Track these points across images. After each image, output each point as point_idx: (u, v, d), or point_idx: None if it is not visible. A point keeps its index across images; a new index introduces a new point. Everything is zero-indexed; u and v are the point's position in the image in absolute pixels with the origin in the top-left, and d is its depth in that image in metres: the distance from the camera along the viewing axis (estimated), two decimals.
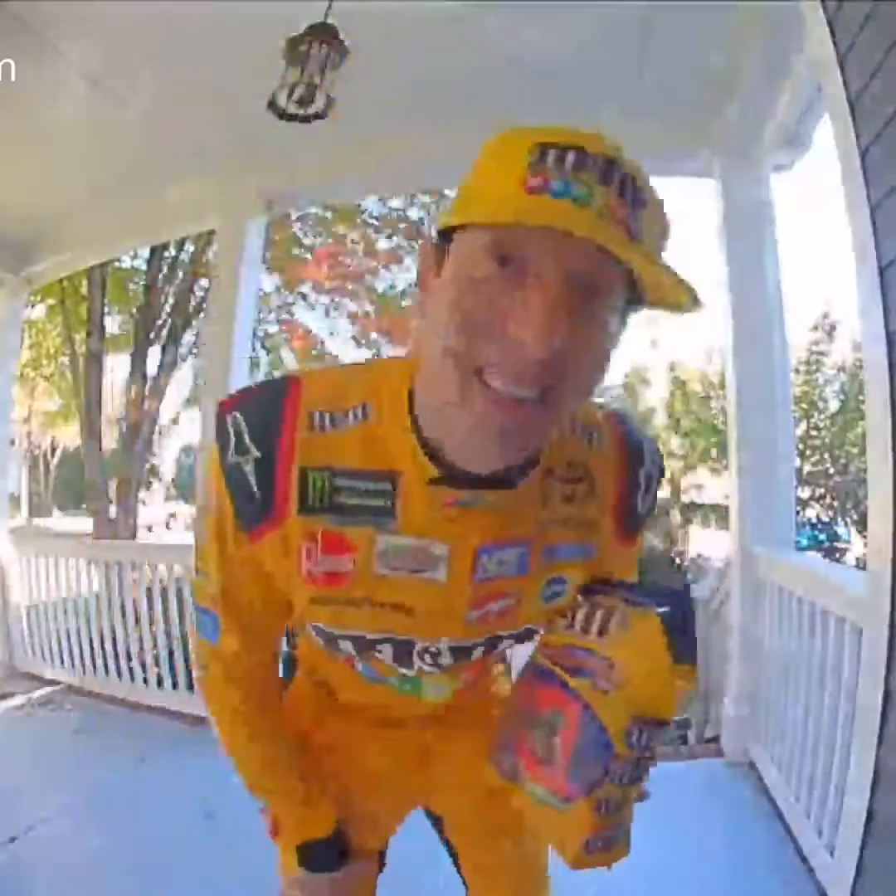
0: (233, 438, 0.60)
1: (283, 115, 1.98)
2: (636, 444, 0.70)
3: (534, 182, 0.48)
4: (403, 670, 0.73)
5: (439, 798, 0.92)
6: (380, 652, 0.70)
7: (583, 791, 0.65)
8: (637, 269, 0.49)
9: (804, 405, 9.72)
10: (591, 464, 0.67)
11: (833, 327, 10.70)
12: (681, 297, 0.51)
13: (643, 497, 0.71)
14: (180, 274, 7.25)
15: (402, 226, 8.19)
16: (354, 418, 0.61)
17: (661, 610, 0.66)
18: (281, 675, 0.87)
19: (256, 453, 0.60)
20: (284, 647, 0.92)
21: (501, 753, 0.75)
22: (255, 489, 0.60)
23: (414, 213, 8.17)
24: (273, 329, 8.73)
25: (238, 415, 0.61)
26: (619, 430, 0.70)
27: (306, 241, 8.01)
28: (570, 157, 0.48)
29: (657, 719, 0.65)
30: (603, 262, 0.48)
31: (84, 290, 6.92)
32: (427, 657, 0.70)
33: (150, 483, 7.66)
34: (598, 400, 0.70)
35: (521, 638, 0.73)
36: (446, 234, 0.54)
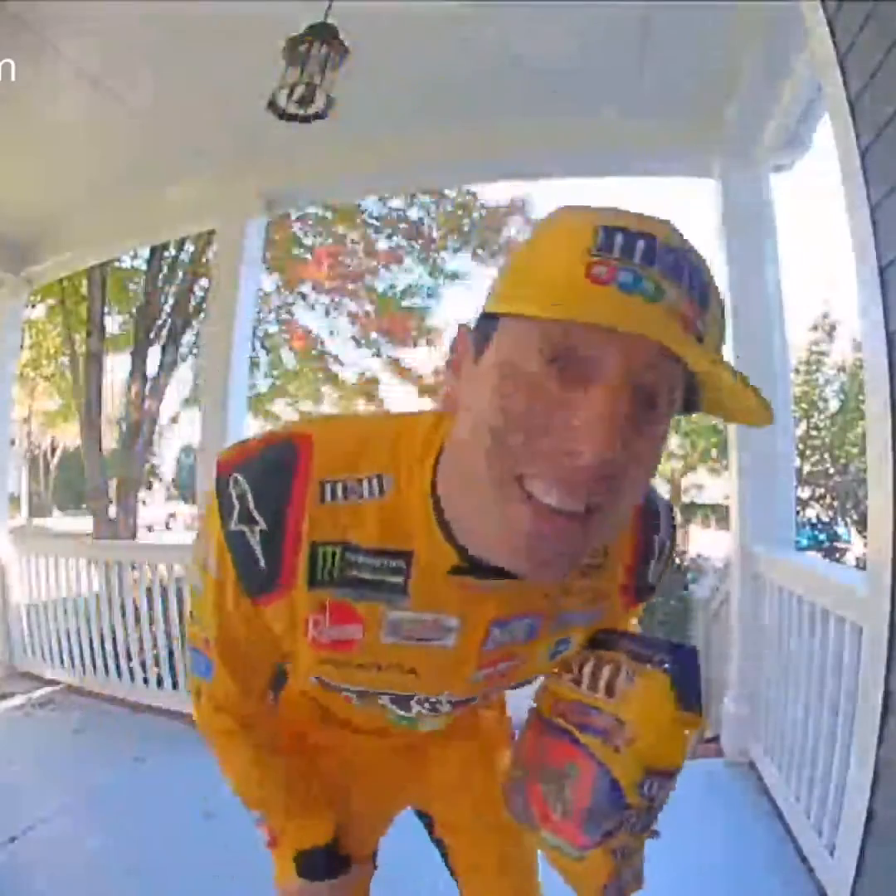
0: (236, 504, 0.56)
1: (283, 115, 1.98)
2: (652, 512, 0.67)
3: (599, 271, 0.42)
4: (402, 713, 0.73)
5: (432, 799, 0.93)
6: (380, 700, 0.70)
7: (598, 842, 0.66)
8: (715, 379, 0.44)
9: (804, 405, 9.70)
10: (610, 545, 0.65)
11: (833, 327, 10.68)
12: (751, 407, 0.45)
13: (655, 565, 0.69)
14: (180, 274, 7.25)
15: (402, 226, 8.20)
16: (369, 492, 0.57)
17: (667, 666, 0.66)
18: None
19: (263, 525, 0.56)
20: None
21: (514, 798, 0.76)
22: (261, 560, 0.57)
23: (414, 213, 8.18)
24: (273, 329, 8.74)
25: (240, 478, 0.56)
26: (639, 518, 0.67)
27: (306, 241, 8.02)
28: (640, 245, 0.43)
29: (667, 769, 0.67)
30: (667, 367, 0.44)
31: (84, 290, 6.92)
32: (426, 705, 0.70)
33: (150, 483, 7.67)
34: None
35: (521, 686, 0.74)
36: (491, 316, 0.49)
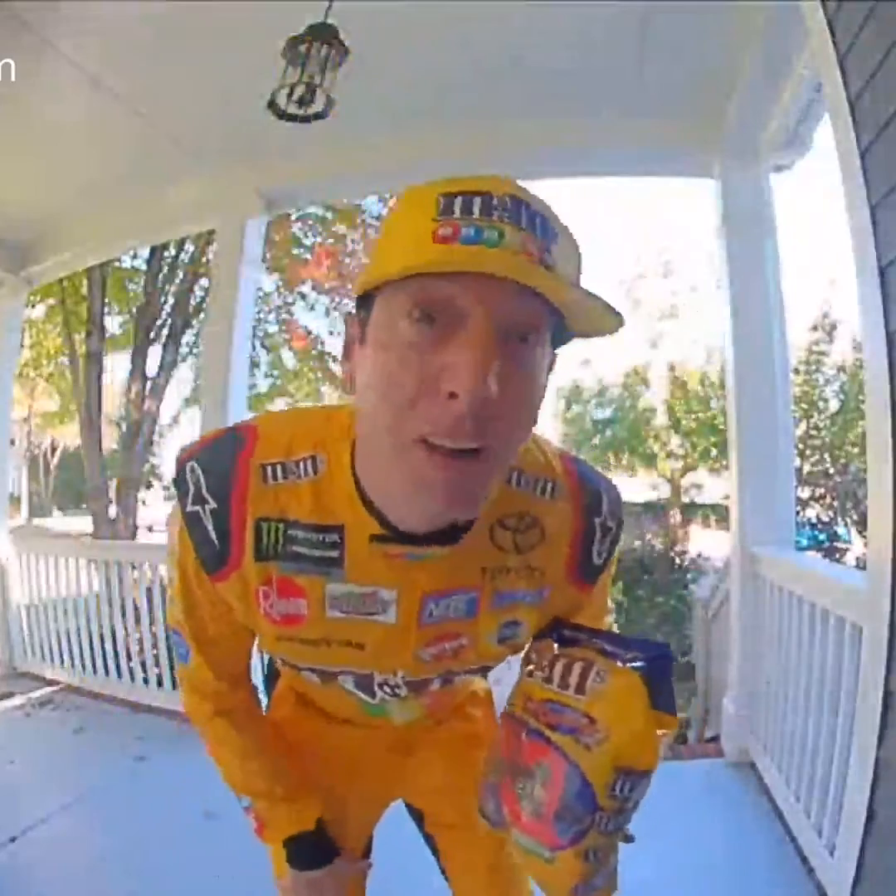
0: (191, 488, 0.63)
1: (283, 115, 1.97)
2: (592, 492, 0.70)
3: (443, 231, 0.46)
4: (366, 698, 0.75)
5: (420, 793, 0.93)
6: (344, 683, 0.73)
7: (569, 842, 0.66)
8: (560, 298, 0.49)
9: (804, 405, 9.70)
10: (544, 513, 0.67)
11: (833, 327, 10.68)
12: (605, 321, 0.50)
13: (599, 545, 0.70)
14: (180, 274, 7.25)
15: None
16: (304, 472, 0.63)
17: (638, 664, 0.67)
18: (264, 682, 0.92)
19: (213, 504, 0.62)
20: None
21: (487, 800, 0.76)
22: (213, 537, 0.63)
23: None
24: (273, 329, 8.73)
25: (195, 465, 0.63)
26: (574, 478, 0.69)
27: (306, 241, 8.01)
28: (477, 202, 0.47)
29: (640, 770, 0.66)
30: (526, 302, 0.48)
31: (84, 290, 6.91)
32: (387, 689, 0.73)
33: (150, 483, 7.64)
34: (558, 447, 0.72)
35: (477, 672, 0.76)
36: (367, 302, 0.53)
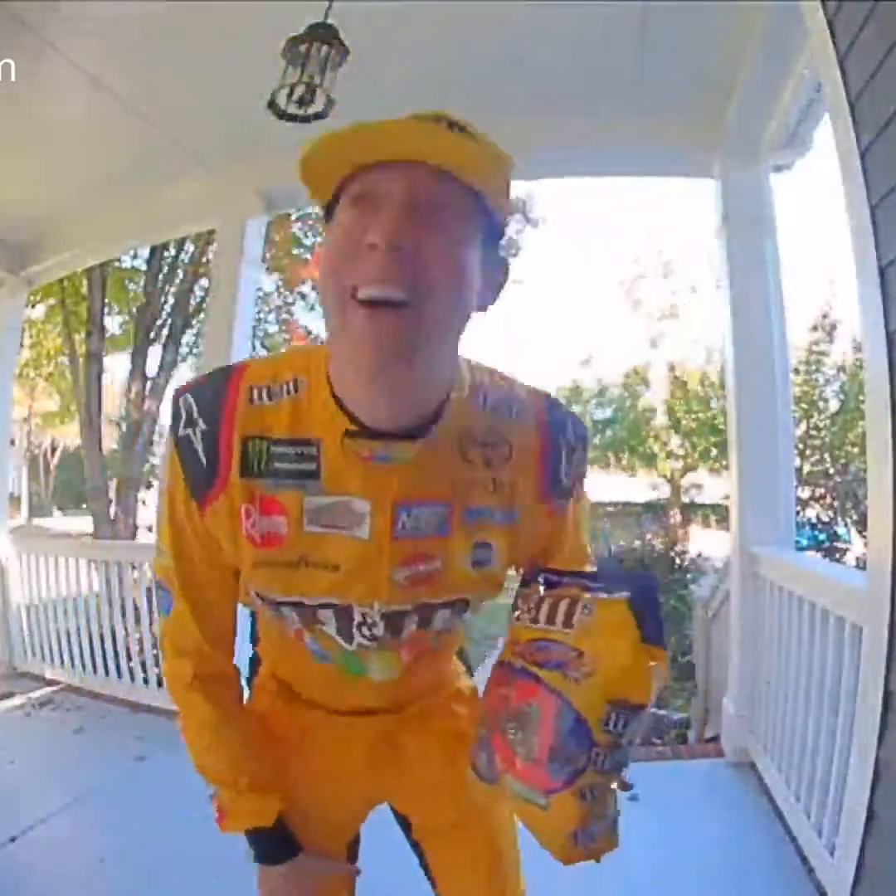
0: (184, 415, 0.68)
1: (283, 115, 1.97)
2: (557, 416, 0.74)
3: (371, 135, 0.58)
4: (344, 644, 0.75)
5: (407, 796, 0.92)
6: (323, 622, 0.73)
7: (565, 783, 0.65)
8: (454, 156, 0.58)
9: (804, 405, 9.70)
10: (510, 433, 0.71)
11: (833, 327, 10.69)
12: (491, 168, 0.62)
13: (565, 464, 0.73)
14: (180, 274, 7.25)
15: None
16: (287, 392, 0.68)
17: (624, 594, 0.67)
18: (246, 674, 0.90)
19: (203, 426, 0.67)
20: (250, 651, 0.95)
21: (479, 754, 0.74)
22: (202, 457, 0.67)
23: None
24: (273, 329, 8.74)
25: (188, 396, 0.69)
26: (540, 404, 0.74)
27: (306, 241, 8.01)
28: (388, 123, 0.58)
29: (633, 703, 0.65)
30: (438, 182, 0.58)
31: (84, 290, 6.91)
32: (364, 630, 0.73)
33: (150, 483, 7.63)
34: (530, 384, 0.75)
35: (454, 608, 0.75)
36: (327, 212, 0.65)
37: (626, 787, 0.70)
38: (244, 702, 0.85)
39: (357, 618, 0.72)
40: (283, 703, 0.89)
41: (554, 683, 0.66)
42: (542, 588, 0.74)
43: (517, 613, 0.75)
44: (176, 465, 0.68)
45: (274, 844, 0.82)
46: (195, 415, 0.67)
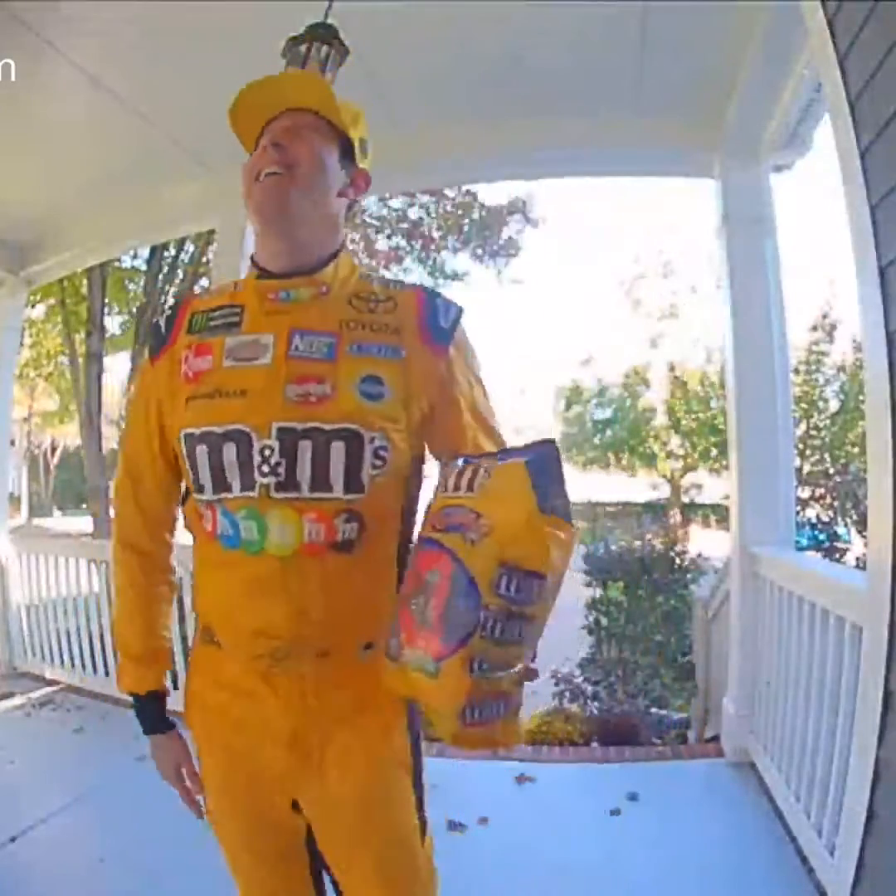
0: (159, 313, 0.90)
1: None
2: (433, 290, 0.96)
3: (241, 100, 0.90)
4: (248, 493, 0.81)
5: (310, 796, 0.89)
6: (226, 458, 0.82)
7: (454, 646, 0.64)
8: (289, 93, 0.90)
9: (804, 405, 9.69)
10: (395, 295, 0.91)
11: (833, 327, 10.68)
12: (332, 104, 0.89)
13: (443, 314, 0.91)
14: (180, 274, 7.24)
15: (402, 226, 8.19)
16: (227, 288, 0.96)
17: (523, 458, 0.69)
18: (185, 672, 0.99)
19: (169, 312, 0.95)
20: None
21: (390, 637, 0.74)
22: (163, 328, 0.93)
23: (414, 213, 8.17)
24: None
25: (168, 307, 0.99)
26: (419, 286, 0.96)
27: None
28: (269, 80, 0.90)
29: (526, 568, 0.65)
30: (302, 114, 0.89)
31: (84, 290, 6.90)
32: (264, 467, 0.81)
33: None
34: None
35: (346, 438, 0.80)
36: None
37: (531, 674, 0.71)
38: (164, 591, 0.99)
39: (256, 456, 0.81)
40: (210, 682, 0.92)
41: (451, 545, 0.68)
42: (459, 463, 0.77)
43: (435, 488, 0.78)
44: (143, 349, 0.97)
45: (150, 716, 0.98)
46: (167, 309, 0.96)
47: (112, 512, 0.97)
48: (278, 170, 0.85)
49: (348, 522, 0.81)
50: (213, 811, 0.98)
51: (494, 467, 0.71)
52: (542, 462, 0.68)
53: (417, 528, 0.82)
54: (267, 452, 0.80)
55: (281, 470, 0.80)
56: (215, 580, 0.90)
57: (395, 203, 7.87)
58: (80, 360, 7.08)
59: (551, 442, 0.73)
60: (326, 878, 0.97)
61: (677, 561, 5.23)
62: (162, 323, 0.93)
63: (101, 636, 3.39)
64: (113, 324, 7.67)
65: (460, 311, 0.93)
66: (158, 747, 1.00)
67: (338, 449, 0.80)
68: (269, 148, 0.86)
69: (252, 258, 0.92)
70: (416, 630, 0.69)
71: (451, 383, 0.89)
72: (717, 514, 14.38)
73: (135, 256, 7.15)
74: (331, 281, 0.89)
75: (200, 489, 0.86)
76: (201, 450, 0.83)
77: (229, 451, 0.82)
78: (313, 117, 0.89)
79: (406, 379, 0.85)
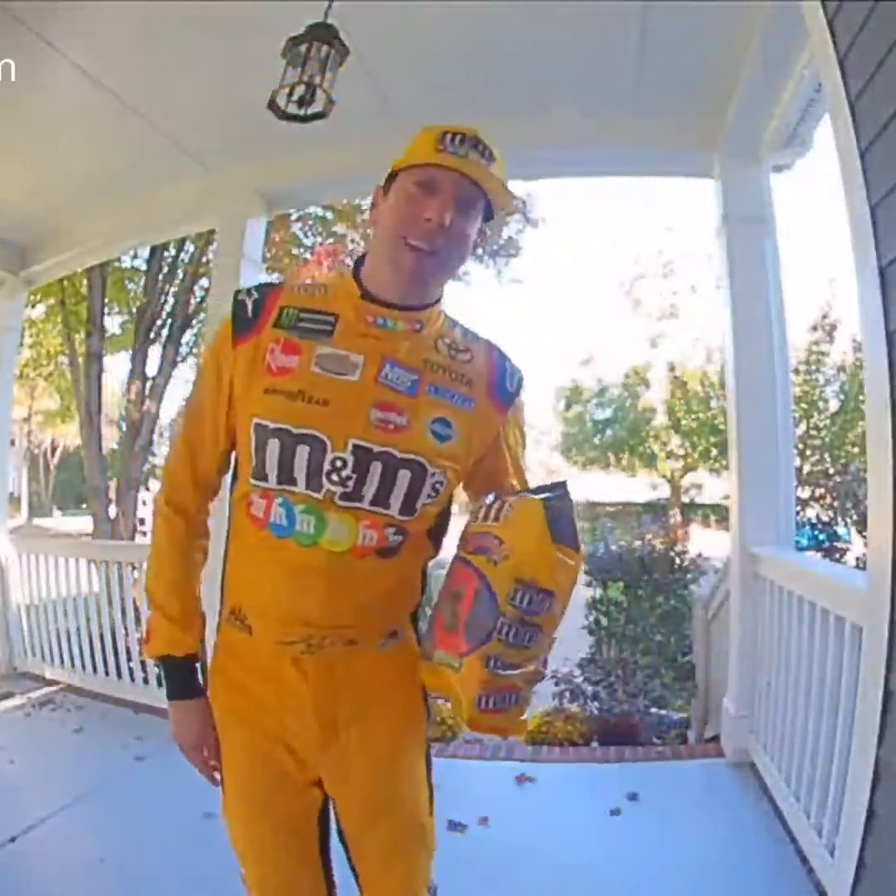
0: (244, 291, 0.97)
1: (283, 115, 1.97)
2: (503, 351, 1.03)
3: (441, 147, 0.89)
4: (312, 494, 0.87)
5: (333, 772, 0.95)
6: (297, 458, 0.87)
7: (474, 645, 0.79)
8: (488, 185, 0.91)
9: (804, 405, 9.69)
10: (472, 347, 0.99)
11: (833, 327, 10.68)
12: (507, 198, 0.95)
13: (509, 378, 0.99)
14: (180, 274, 7.24)
15: None
16: (318, 292, 0.97)
17: (541, 496, 0.84)
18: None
19: (255, 295, 0.95)
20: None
21: (426, 638, 0.90)
22: (249, 312, 0.94)
23: None
24: None
25: (250, 286, 0.98)
26: (492, 343, 1.03)
27: (306, 241, 8.01)
28: (459, 137, 0.90)
29: (538, 585, 0.80)
30: (472, 189, 0.90)
31: (84, 290, 6.90)
32: (334, 476, 0.87)
33: (150, 483, 7.64)
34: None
35: (413, 471, 0.88)
36: (391, 176, 0.94)
37: (540, 675, 0.83)
38: (200, 557, 1.01)
39: (327, 464, 0.86)
40: (234, 665, 0.96)
41: (478, 564, 0.83)
42: (491, 498, 0.90)
43: (470, 518, 0.91)
44: (227, 320, 0.94)
45: (180, 680, 0.97)
46: (252, 290, 0.96)
47: (158, 481, 1.02)
48: (438, 250, 0.89)
49: (396, 535, 0.91)
50: (228, 785, 0.98)
51: (517, 503, 0.85)
52: (556, 502, 0.83)
53: (443, 548, 1.00)
54: (339, 463, 0.87)
55: (350, 483, 0.87)
56: (255, 564, 0.93)
57: None
58: (80, 359, 7.08)
59: (564, 484, 0.86)
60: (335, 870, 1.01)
61: (677, 561, 5.23)
62: (249, 307, 0.94)
63: (101, 636, 3.39)
64: (113, 324, 7.68)
65: (523, 378, 1.02)
66: (185, 711, 0.99)
67: (404, 476, 0.88)
68: (434, 224, 0.87)
69: (357, 273, 0.96)
70: (446, 633, 0.84)
71: (504, 437, 1.00)
72: (717, 514, 14.39)
73: (135, 256, 7.15)
74: (424, 320, 0.94)
75: (263, 477, 0.89)
76: (273, 443, 0.88)
77: (302, 453, 0.87)
78: (476, 190, 0.91)
79: (470, 428, 0.94)
